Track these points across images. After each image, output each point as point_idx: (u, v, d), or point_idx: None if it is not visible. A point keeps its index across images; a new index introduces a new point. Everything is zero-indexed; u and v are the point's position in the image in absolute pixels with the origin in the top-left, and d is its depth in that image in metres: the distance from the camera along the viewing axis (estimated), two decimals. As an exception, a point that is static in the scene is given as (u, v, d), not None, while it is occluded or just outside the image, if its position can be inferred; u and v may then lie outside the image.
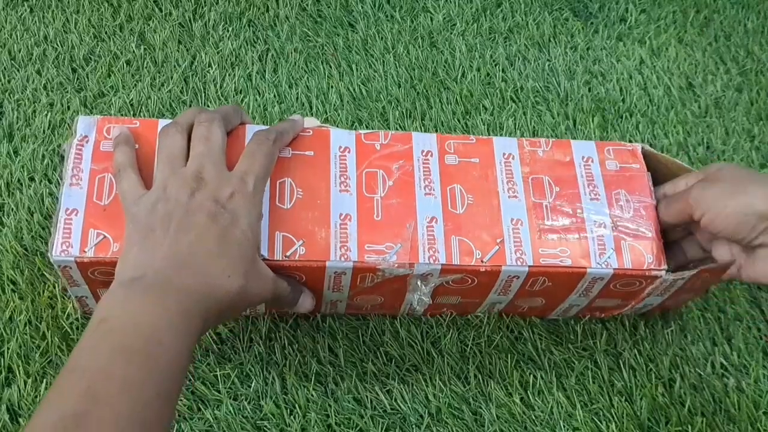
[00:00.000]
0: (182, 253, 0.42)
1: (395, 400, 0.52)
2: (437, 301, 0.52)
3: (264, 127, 0.50)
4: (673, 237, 0.54)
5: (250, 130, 0.49)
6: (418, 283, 0.49)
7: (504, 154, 0.52)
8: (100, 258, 0.45)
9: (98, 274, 0.46)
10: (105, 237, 0.45)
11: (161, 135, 0.47)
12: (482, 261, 0.48)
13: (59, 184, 0.48)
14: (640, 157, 0.53)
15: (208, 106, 0.69)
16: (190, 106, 0.68)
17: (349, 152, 0.50)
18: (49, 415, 0.34)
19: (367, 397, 0.52)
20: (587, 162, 0.52)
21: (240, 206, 0.44)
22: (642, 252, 0.49)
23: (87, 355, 0.37)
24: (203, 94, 0.68)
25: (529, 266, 0.48)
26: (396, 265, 0.47)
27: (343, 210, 0.48)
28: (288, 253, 0.46)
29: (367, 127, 0.66)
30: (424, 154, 0.51)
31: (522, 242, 0.49)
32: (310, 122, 0.52)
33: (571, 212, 0.50)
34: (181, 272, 0.41)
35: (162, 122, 0.49)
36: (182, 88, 0.68)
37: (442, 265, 0.47)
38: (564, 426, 0.52)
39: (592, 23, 0.79)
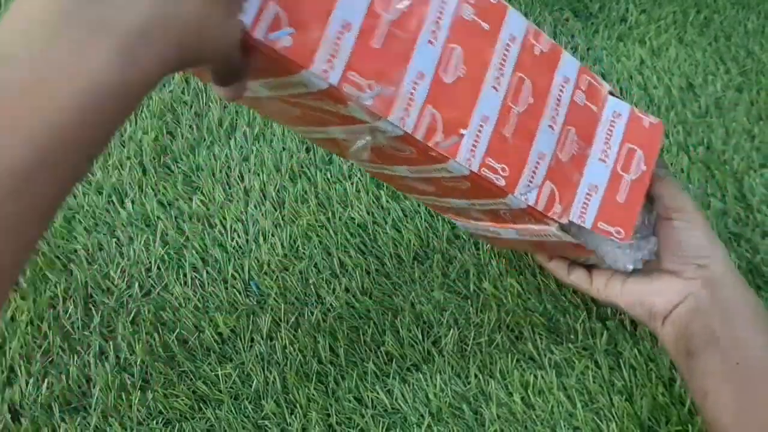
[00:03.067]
0: None
1: (396, 399, 0.52)
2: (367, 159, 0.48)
3: None
4: None
5: None
6: (365, 133, 0.44)
7: (511, 36, 0.46)
8: None
9: None
10: None
11: None
12: (438, 144, 0.43)
13: None
14: (602, 100, 0.50)
15: (209, 107, 0.69)
16: (191, 106, 0.69)
17: None
18: None
19: (368, 396, 0.52)
20: (564, 84, 0.48)
21: None
22: (557, 197, 0.47)
23: None
24: (204, 95, 0.68)
25: (471, 171, 0.44)
26: (365, 111, 0.41)
27: (347, 17, 0.41)
28: (272, 36, 0.38)
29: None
30: None
31: (479, 144, 0.45)
32: None
33: (528, 133, 0.47)
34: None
35: None
36: (183, 88, 0.68)
37: (405, 132, 0.42)
38: (564, 425, 0.52)
39: (592, 23, 0.79)
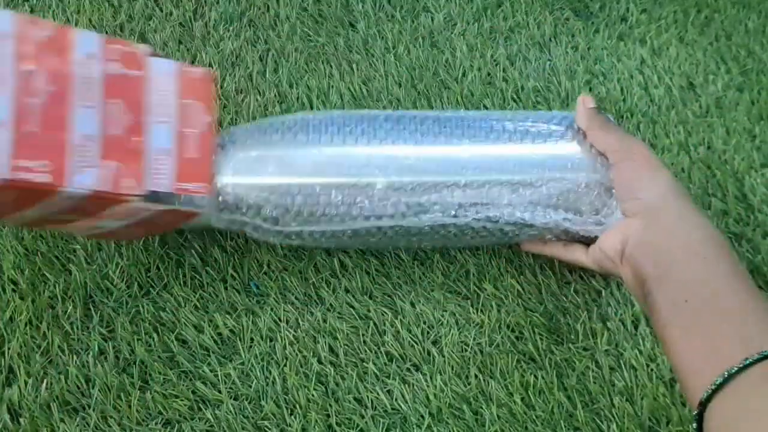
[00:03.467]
0: None
1: (396, 400, 0.52)
2: None
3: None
4: None
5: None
6: None
7: None
8: None
9: None
10: None
11: None
12: None
13: None
14: (143, 64, 0.48)
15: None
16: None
17: None
18: None
19: (367, 397, 0.52)
20: (89, 60, 0.46)
21: None
22: (123, 173, 0.46)
23: None
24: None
25: (4, 180, 0.42)
26: None
27: None
28: None
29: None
30: None
31: None
32: None
33: (60, 120, 0.44)
34: None
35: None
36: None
37: None
38: (565, 426, 0.52)
39: (592, 23, 0.79)
